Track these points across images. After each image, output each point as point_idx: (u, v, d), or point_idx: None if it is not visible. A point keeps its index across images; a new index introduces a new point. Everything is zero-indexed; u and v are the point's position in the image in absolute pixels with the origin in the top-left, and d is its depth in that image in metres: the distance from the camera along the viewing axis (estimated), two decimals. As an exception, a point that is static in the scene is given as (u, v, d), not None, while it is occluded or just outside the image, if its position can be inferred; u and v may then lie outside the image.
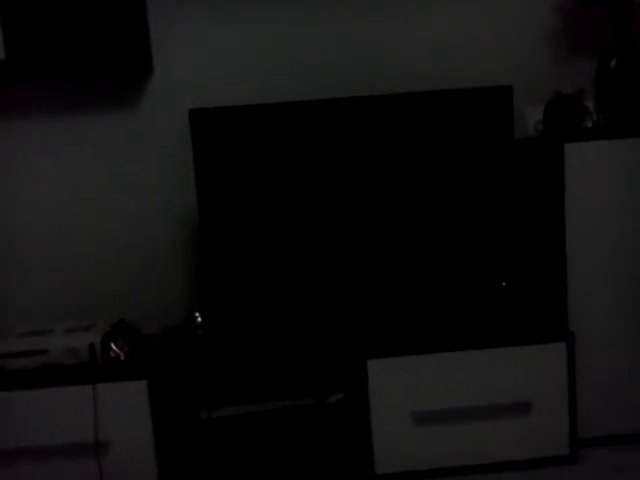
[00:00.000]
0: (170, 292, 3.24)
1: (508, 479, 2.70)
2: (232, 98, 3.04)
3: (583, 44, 3.23)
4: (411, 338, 2.78)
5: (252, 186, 2.87)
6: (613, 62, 2.92)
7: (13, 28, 2.85)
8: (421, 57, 3.22)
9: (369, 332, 2.85)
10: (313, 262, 2.92)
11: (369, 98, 2.87)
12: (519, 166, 2.93)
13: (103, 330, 2.79)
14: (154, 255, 3.26)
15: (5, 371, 2.71)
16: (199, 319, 2.93)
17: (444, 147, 2.89)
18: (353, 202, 2.89)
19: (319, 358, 2.75)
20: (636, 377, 2.84)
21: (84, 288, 3.25)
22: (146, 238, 3.25)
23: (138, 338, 2.82)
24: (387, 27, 3.21)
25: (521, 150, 2.99)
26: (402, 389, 2.70)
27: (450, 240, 2.92)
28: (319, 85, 3.13)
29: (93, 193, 3.21)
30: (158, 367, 2.73)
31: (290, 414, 2.75)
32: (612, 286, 2.79)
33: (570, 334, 2.73)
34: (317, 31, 3.20)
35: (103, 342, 2.73)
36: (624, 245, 2.78)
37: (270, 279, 2.92)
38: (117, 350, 2.74)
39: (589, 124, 2.86)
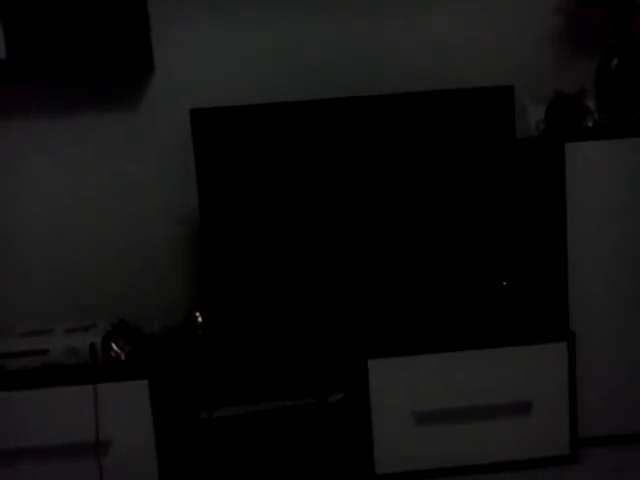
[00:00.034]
0: (170, 292, 3.24)
1: (508, 479, 2.70)
2: (232, 98, 3.03)
3: (584, 44, 3.23)
4: (412, 338, 2.78)
5: (253, 186, 2.87)
6: (614, 62, 2.92)
7: (14, 28, 2.86)
8: (421, 57, 3.22)
9: (370, 332, 2.85)
10: (313, 262, 2.92)
11: (369, 98, 2.87)
12: (520, 165, 2.93)
13: (104, 330, 2.79)
14: (154, 255, 3.26)
15: (5, 371, 2.70)
16: (200, 319, 2.93)
17: (445, 147, 2.89)
18: (354, 202, 2.89)
19: (319, 358, 2.75)
20: (636, 377, 2.84)
21: (84, 288, 3.24)
22: (146, 238, 3.24)
23: (139, 338, 2.82)
24: (387, 27, 3.21)
25: (522, 149, 2.99)
26: (403, 389, 2.70)
27: (451, 240, 2.92)
28: (319, 85, 3.13)
29: (93, 193, 3.21)
30: (159, 367, 2.73)
31: (291, 414, 2.75)
32: (613, 286, 2.79)
33: (571, 334, 2.73)
34: (317, 31, 3.20)
35: (104, 342, 2.73)
36: (625, 245, 2.78)
37: (270, 279, 2.92)
38: (118, 350, 2.74)
39: (590, 124, 2.86)
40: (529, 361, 2.72)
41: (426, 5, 3.21)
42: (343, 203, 2.89)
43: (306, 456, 2.75)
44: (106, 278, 3.25)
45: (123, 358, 2.74)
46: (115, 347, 2.73)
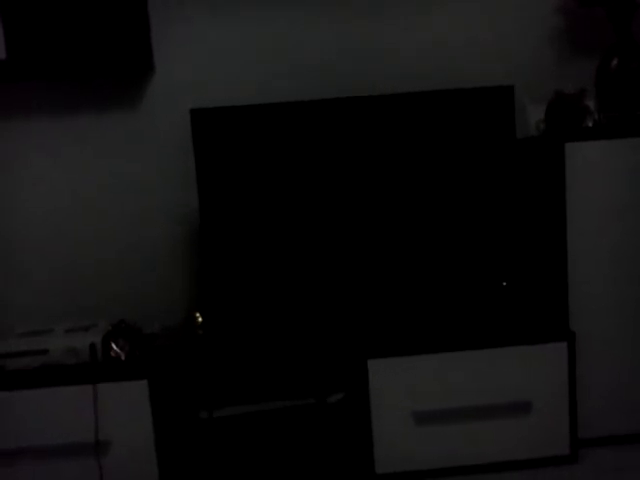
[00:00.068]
0: (170, 292, 3.24)
1: (508, 479, 2.70)
2: (232, 98, 3.04)
3: (584, 44, 3.23)
4: (412, 338, 2.78)
5: (253, 186, 2.87)
6: (614, 62, 2.92)
7: (14, 28, 2.86)
8: (421, 57, 3.22)
9: (370, 332, 2.85)
10: (313, 262, 2.92)
11: (369, 98, 2.87)
12: (520, 166, 2.93)
13: (104, 330, 2.79)
14: (154, 255, 3.26)
15: (5, 371, 2.70)
16: (200, 319, 2.93)
17: (445, 147, 2.89)
18: (354, 202, 2.89)
19: (319, 358, 2.75)
20: (636, 377, 2.84)
21: (84, 288, 3.24)
22: (146, 238, 3.24)
23: (139, 338, 2.82)
24: (387, 27, 3.21)
25: (522, 150, 2.99)
26: (403, 389, 2.70)
27: (451, 240, 2.92)
28: (319, 85, 3.13)
29: (93, 193, 3.21)
30: (159, 367, 2.73)
31: (291, 414, 2.75)
32: (613, 286, 2.80)
33: (571, 334, 2.73)
34: (317, 31, 3.20)
35: (104, 342, 2.73)
36: (625, 245, 2.78)
37: (270, 279, 2.92)
38: (118, 350, 2.74)
39: (590, 124, 2.86)
40: (529, 361, 2.72)
41: (426, 5, 3.21)
42: (343, 203, 2.89)
43: (306, 456, 2.75)
44: (106, 278, 3.25)
45: (123, 358, 2.74)
46: (115, 347, 2.74)
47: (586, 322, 2.79)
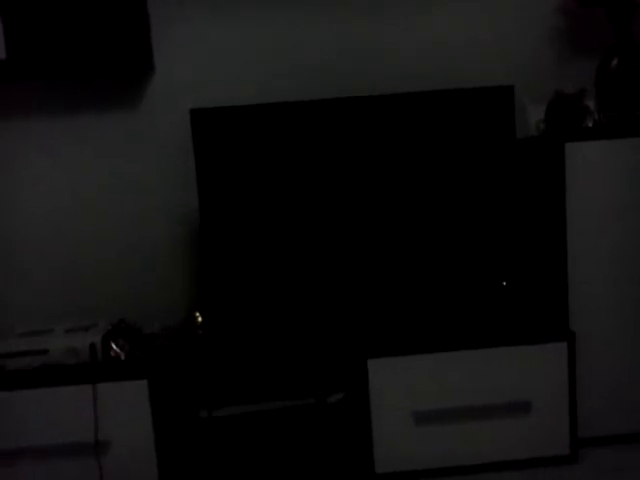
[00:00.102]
0: (170, 292, 3.24)
1: (508, 479, 2.70)
2: (232, 98, 3.04)
3: (584, 44, 3.23)
4: (412, 338, 2.78)
5: (253, 186, 2.87)
6: (614, 62, 2.92)
7: (14, 27, 2.86)
8: (421, 57, 3.22)
9: (369, 332, 2.85)
10: (313, 262, 2.92)
11: (369, 98, 2.87)
12: (520, 166, 2.93)
13: (103, 330, 2.79)
14: (154, 255, 3.26)
15: (5, 371, 2.70)
16: (199, 319, 2.93)
17: (445, 147, 2.89)
18: (354, 202, 2.89)
19: (319, 358, 2.75)
20: (636, 377, 2.84)
21: (84, 288, 3.25)
22: (146, 238, 3.24)
23: (139, 338, 2.82)
24: (387, 27, 3.21)
25: (522, 150, 2.99)
26: (403, 389, 2.70)
27: (451, 240, 2.92)
28: (319, 85, 3.13)
29: (93, 193, 3.21)
30: (158, 367, 2.73)
31: (290, 414, 2.75)
32: (613, 286, 2.80)
33: (571, 334, 2.73)
34: (317, 31, 3.20)
35: (104, 342, 2.73)
36: (625, 245, 2.78)
37: (270, 279, 2.92)
38: (117, 350, 2.74)
39: (590, 124, 2.86)
40: (529, 361, 2.72)
41: (426, 5, 3.21)
42: (343, 203, 2.89)
43: (306, 456, 2.75)
44: (106, 278, 3.25)
45: (123, 358, 2.73)
46: (115, 347, 2.74)
47: (586, 322, 2.79)
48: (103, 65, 2.97)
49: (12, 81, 3.04)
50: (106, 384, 2.64)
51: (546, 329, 2.79)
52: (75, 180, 3.20)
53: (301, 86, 3.13)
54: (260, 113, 2.85)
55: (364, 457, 2.73)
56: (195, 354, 2.80)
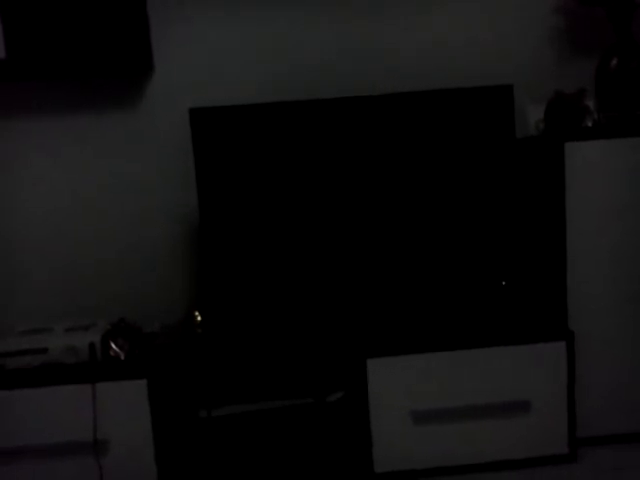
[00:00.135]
0: (170, 292, 3.24)
1: (507, 478, 2.70)
2: (232, 98, 3.05)
3: (584, 44, 3.23)
4: (411, 337, 2.78)
5: (252, 185, 2.87)
6: (614, 61, 2.93)
7: (14, 27, 2.86)
8: (421, 57, 3.22)
9: (369, 331, 2.85)
10: (313, 262, 2.92)
11: (369, 98, 2.87)
12: (520, 165, 2.93)
13: (103, 329, 2.79)
14: (154, 255, 3.26)
15: (5, 370, 2.70)
16: (199, 318, 2.93)
17: (445, 146, 2.89)
18: (353, 202, 2.89)
19: (319, 357, 2.75)
20: (635, 377, 2.84)
21: (84, 288, 3.25)
22: (146, 238, 3.25)
23: (138, 337, 2.82)
24: (387, 27, 3.21)
25: (522, 149, 2.99)
26: (402, 388, 2.70)
27: (450, 239, 2.92)
28: (319, 85, 3.13)
29: (93, 193, 3.21)
30: (158, 366, 2.72)
31: (290, 413, 2.75)
32: (612, 285, 2.79)
33: (570, 333, 2.73)
34: (317, 31, 3.20)
35: (103, 341, 2.73)
36: (624, 244, 2.77)
37: (270, 278, 2.92)
38: (117, 349, 2.74)
39: (589, 123, 2.86)
40: (528, 360, 2.71)
41: (426, 5, 3.22)
42: (343, 203, 2.89)
43: (305, 455, 2.75)
44: (106, 278, 3.25)
45: (122, 357, 2.73)
46: (114, 346, 2.73)
47: (585, 322, 2.79)
48: (103, 65, 2.96)
49: (12, 81, 3.05)
50: (105, 383, 2.64)
51: (545, 329, 2.79)
52: (75, 180, 3.20)
53: (301, 86, 3.14)
54: (259, 112, 2.85)
55: (363, 456, 2.73)
56: (194, 353, 2.80)
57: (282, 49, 3.19)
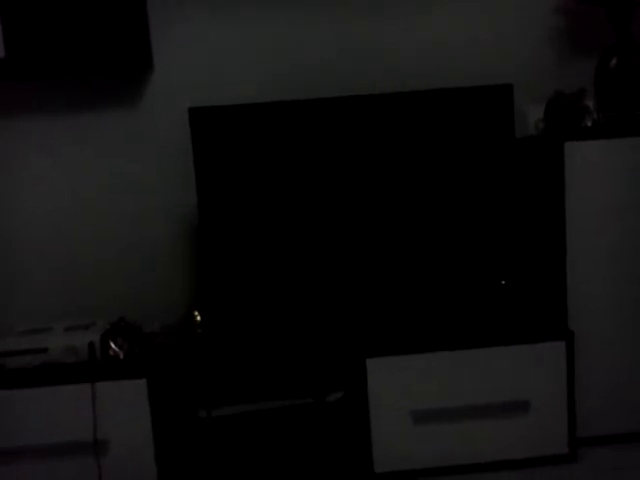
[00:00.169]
0: (170, 292, 3.24)
1: (507, 478, 2.69)
2: (232, 98, 3.05)
3: (584, 44, 3.23)
4: (410, 337, 2.78)
5: (252, 185, 2.87)
6: (613, 61, 2.92)
7: (13, 26, 2.86)
8: (421, 57, 3.22)
9: (368, 331, 2.85)
10: (312, 261, 2.92)
11: (369, 97, 2.87)
12: (519, 165, 2.93)
13: (103, 328, 2.79)
14: (154, 255, 3.26)
15: (5, 370, 2.70)
16: (199, 318, 2.93)
17: (445, 146, 2.89)
18: (353, 201, 2.89)
19: (318, 357, 2.75)
20: (635, 377, 2.84)
21: (84, 288, 3.25)
22: (146, 238, 3.25)
23: (138, 336, 2.82)
24: (387, 27, 3.21)
25: (521, 149, 2.99)
26: (401, 388, 2.70)
27: (450, 239, 2.92)
28: (319, 85, 3.13)
29: (93, 193, 3.22)
30: (157, 366, 2.72)
31: (289, 413, 2.75)
32: (612, 285, 2.79)
33: (569, 333, 2.73)
34: (317, 31, 3.20)
35: (102, 341, 2.73)
36: (624, 244, 2.77)
37: (269, 278, 2.92)
38: (116, 349, 2.73)
39: (589, 123, 2.86)
40: (528, 360, 2.71)
41: (426, 5, 3.22)
42: (342, 202, 2.89)
43: (305, 455, 2.75)
44: (106, 278, 3.25)
45: (121, 357, 2.73)
46: (113, 346, 2.73)
47: (585, 321, 2.79)
48: (103, 64, 2.97)
49: (12, 80, 3.05)
50: (105, 383, 2.64)
51: (545, 328, 2.78)
52: (75, 180, 3.20)
53: (301, 86, 3.14)
54: (259, 112, 2.85)
55: (363, 456, 2.73)
56: (194, 353, 2.80)
57: (282, 49, 3.19)
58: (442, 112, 2.88)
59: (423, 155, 2.89)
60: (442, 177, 2.89)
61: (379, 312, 2.91)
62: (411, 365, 2.69)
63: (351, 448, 2.75)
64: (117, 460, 2.66)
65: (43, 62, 2.90)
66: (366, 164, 2.87)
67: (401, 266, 2.93)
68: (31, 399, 2.63)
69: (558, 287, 2.80)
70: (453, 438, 2.72)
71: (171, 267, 3.26)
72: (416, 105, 2.87)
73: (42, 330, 2.84)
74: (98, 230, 3.23)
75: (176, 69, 3.17)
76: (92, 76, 3.13)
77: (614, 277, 2.79)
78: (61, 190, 3.20)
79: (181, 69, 3.17)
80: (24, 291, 3.24)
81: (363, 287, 2.92)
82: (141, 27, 3.03)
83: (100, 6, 2.90)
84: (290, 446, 2.75)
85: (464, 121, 2.87)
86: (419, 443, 2.72)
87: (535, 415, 2.72)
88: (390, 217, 2.90)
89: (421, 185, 2.89)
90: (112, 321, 2.84)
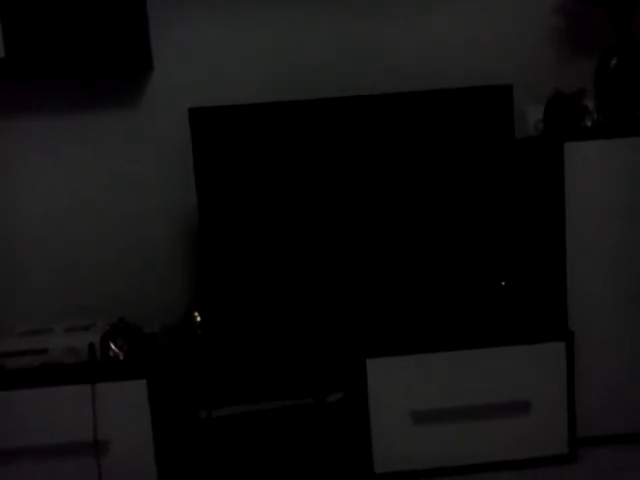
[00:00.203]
0: (170, 292, 3.24)
1: (507, 478, 2.69)
2: (232, 98, 3.05)
3: (584, 44, 3.23)
4: (410, 337, 2.78)
5: (252, 185, 2.87)
6: (613, 61, 2.92)
7: (13, 26, 2.86)
8: (421, 57, 3.22)
9: (368, 331, 2.85)
10: (312, 261, 2.92)
11: (369, 97, 2.86)
12: (519, 165, 2.93)
13: (103, 329, 2.79)
14: (154, 255, 3.26)
15: (5, 370, 2.70)
16: (199, 318, 2.93)
17: (444, 146, 2.88)
18: (353, 202, 2.89)
19: (318, 357, 2.75)
20: (635, 377, 2.84)
21: (84, 288, 3.25)
22: (146, 238, 3.25)
23: (138, 337, 2.81)
24: (387, 27, 3.21)
25: (521, 149, 2.99)
26: (401, 388, 2.70)
27: (449, 239, 2.92)
28: (319, 85, 3.13)
29: (93, 193, 3.21)
30: (157, 366, 2.72)
31: (290, 413, 2.75)
32: (612, 285, 2.79)
33: (569, 333, 2.73)
34: (317, 31, 3.20)
35: (102, 341, 2.73)
36: (624, 244, 2.77)
37: (269, 279, 2.92)
38: (116, 350, 2.73)
39: (589, 123, 2.86)
40: (528, 360, 2.71)
41: (426, 5, 3.22)
42: (342, 203, 2.89)
43: (305, 456, 2.75)
44: (106, 278, 3.25)
45: (121, 358, 2.73)
46: (113, 347, 2.73)
47: (585, 321, 2.79)
48: (103, 65, 2.97)
49: (12, 80, 3.05)
50: (105, 384, 2.63)
51: (545, 329, 2.78)
52: (75, 180, 3.20)
53: (301, 86, 3.14)
54: (259, 112, 2.85)
55: (363, 457, 2.73)
56: (194, 354, 2.80)
57: (282, 49, 3.19)
58: (442, 112, 2.87)
59: (423, 155, 2.88)
60: (442, 177, 2.89)
61: (379, 312, 2.91)
62: (411, 365, 2.69)
63: (351, 448, 2.75)
64: (117, 461, 2.66)
65: (43, 62, 2.90)
66: (366, 165, 2.87)
67: (401, 266, 2.93)
68: (31, 400, 2.63)
69: (558, 287, 2.80)
70: (453, 438, 2.72)
71: (171, 267, 3.26)
72: (416, 105, 2.87)
73: (42, 331, 2.84)
74: (98, 230, 3.23)
75: (176, 69, 3.17)
76: (92, 76, 3.13)
77: (614, 277, 2.79)
78: (61, 190, 3.20)
79: (181, 69, 3.17)
80: (24, 291, 3.24)
81: (363, 287, 2.92)
82: (141, 27, 3.03)
83: (100, 6, 2.90)
84: (290, 447, 2.75)
85: (464, 121, 2.87)
86: (419, 443, 2.72)
87: (535, 415, 2.72)
88: (390, 218, 2.90)
89: (421, 185, 2.89)
90: (112, 322, 2.83)
